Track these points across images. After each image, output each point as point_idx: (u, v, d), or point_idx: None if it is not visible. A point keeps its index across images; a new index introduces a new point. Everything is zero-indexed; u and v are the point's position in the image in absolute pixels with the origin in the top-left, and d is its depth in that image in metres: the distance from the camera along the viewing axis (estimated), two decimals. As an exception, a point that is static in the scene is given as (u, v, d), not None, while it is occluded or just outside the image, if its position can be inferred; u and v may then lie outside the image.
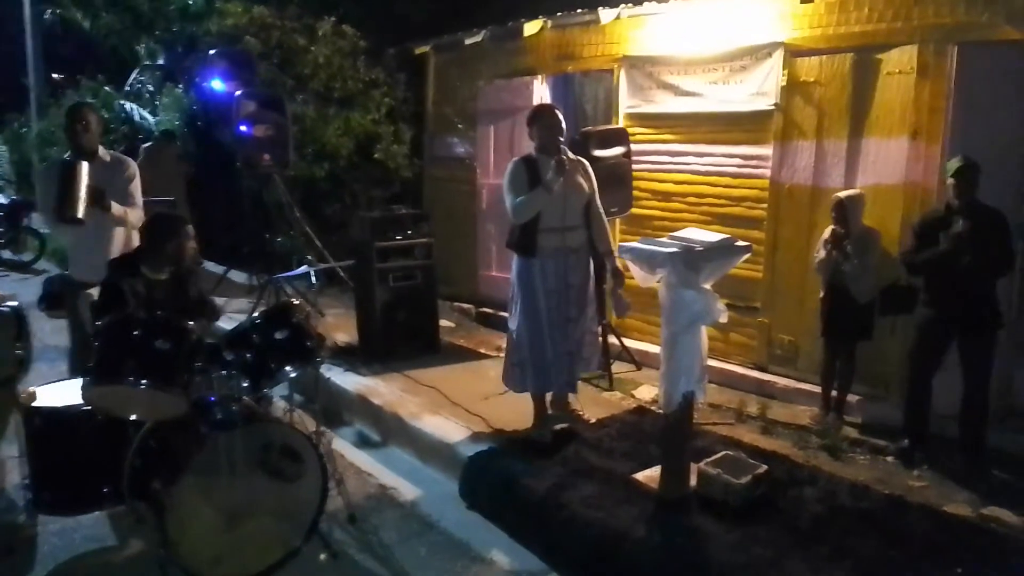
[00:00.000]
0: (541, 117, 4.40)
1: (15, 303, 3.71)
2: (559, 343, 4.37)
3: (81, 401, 3.21)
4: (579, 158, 4.49)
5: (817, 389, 4.99)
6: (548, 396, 4.62)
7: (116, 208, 4.33)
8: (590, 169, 4.50)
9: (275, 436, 3.38)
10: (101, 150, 4.54)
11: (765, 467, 3.77)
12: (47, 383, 3.72)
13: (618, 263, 4.38)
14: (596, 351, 4.72)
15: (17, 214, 11.22)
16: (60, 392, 3.54)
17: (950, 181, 4.15)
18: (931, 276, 4.29)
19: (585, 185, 4.40)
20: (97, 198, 4.19)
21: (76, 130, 4.41)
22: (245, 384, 3.46)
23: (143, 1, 11.46)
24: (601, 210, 4.51)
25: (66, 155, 4.52)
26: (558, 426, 4.60)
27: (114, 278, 3.61)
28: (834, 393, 4.86)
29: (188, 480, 3.13)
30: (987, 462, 4.21)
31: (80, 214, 4.09)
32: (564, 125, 4.39)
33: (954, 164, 4.16)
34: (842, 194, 4.74)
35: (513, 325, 4.48)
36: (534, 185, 4.22)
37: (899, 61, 4.74)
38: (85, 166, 4.16)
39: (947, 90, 4.57)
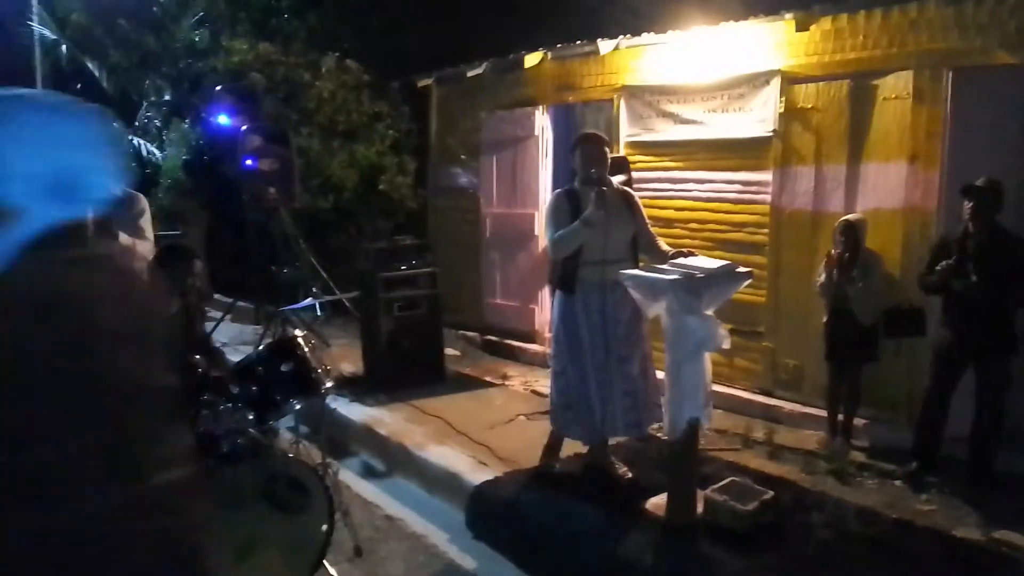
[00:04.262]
0: (580, 146, 4.15)
1: None
2: (609, 385, 4.07)
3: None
4: (624, 188, 4.25)
5: (823, 413, 4.98)
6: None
7: (124, 239, 4.39)
8: (636, 199, 4.26)
9: (281, 468, 3.38)
10: None
11: (772, 493, 3.76)
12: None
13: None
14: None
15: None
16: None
17: (965, 202, 4.11)
18: (947, 298, 4.27)
19: (630, 217, 4.13)
20: (105, 230, 4.25)
21: None
22: (251, 417, 3.47)
23: (150, 39, 11.64)
24: (655, 237, 4.19)
25: None
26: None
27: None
28: (840, 417, 4.85)
29: (195, 514, 3.13)
30: (997, 485, 4.19)
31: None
32: (608, 154, 4.14)
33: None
34: (850, 217, 4.77)
35: (556, 366, 4.25)
36: (576, 219, 3.97)
37: (895, 87, 4.80)
38: None
39: (943, 115, 4.62)
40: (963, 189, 4.12)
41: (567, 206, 4.07)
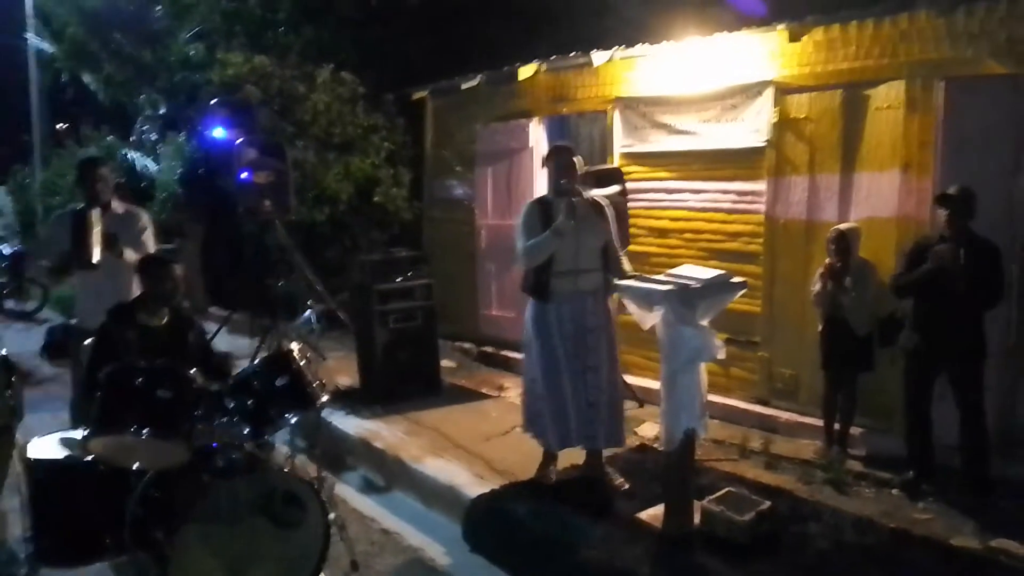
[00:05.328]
0: (552, 157, 4.27)
1: (2, 352, 3.72)
2: (580, 393, 4.15)
3: (83, 451, 3.22)
4: (595, 199, 4.32)
5: (819, 423, 4.97)
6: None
7: (129, 255, 4.41)
8: (607, 210, 4.30)
9: (277, 483, 3.37)
10: (114, 202, 4.63)
11: (769, 503, 3.76)
12: (49, 433, 3.72)
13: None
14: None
15: (21, 264, 11.30)
16: (62, 442, 3.54)
17: (940, 210, 4.19)
18: (917, 302, 4.32)
19: (601, 226, 4.22)
20: (110, 243, 4.29)
21: (89, 183, 4.51)
22: (246, 431, 3.47)
23: (146, 53, 11.66)
24: (619, 251, 4.34)
25: (78, 206, 4.61)
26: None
27: (107, 326, 3.64)
28: (837, 426, 4.85)
29: (190, 529, 3.12)
30: (994, 493, 4.18)
31: (95, 259, 4.19)
32: (579, 165, 4.26)
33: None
34: (842, 226, 4.79)
35: (530, 373, 4.30)
36: (547, 228, 4.06)
37: (887, 96, 4.82)
38: (96, 212, 4.27)
39: (935, 124, 4.64)
40: (937, 198, 4.24)
41: (539, 216, 4.16)
